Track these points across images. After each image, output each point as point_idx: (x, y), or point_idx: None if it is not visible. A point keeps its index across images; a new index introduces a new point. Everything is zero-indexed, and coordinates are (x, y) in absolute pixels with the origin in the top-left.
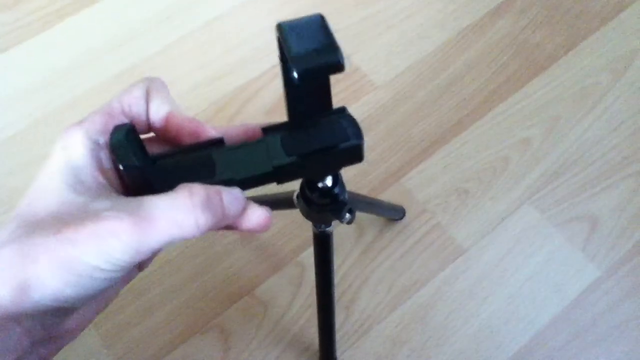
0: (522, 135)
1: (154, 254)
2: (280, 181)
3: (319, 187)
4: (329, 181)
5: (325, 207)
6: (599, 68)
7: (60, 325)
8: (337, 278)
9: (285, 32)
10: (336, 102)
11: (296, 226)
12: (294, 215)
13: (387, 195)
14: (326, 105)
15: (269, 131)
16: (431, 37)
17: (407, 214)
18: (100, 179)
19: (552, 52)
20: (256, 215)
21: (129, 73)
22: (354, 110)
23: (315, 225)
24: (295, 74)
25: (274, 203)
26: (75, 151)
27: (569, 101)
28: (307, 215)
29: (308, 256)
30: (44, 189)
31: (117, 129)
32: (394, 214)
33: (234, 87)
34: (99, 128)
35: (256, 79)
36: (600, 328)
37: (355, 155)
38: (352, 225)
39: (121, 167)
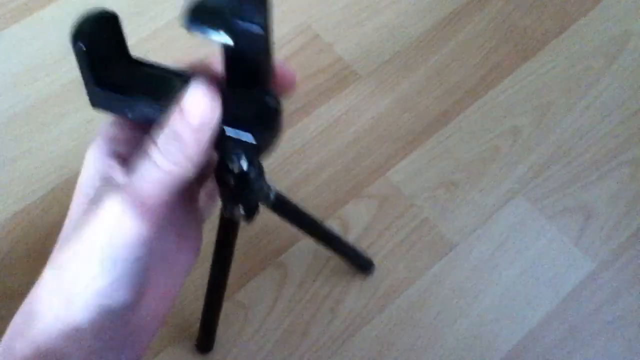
0: (511, 123)
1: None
2: None
3: (227, 166)
4: (243, 164)
5: (236, 191)
6: (590, 52)
7: (127, 324)
8: (320, 280)
9: None
10: (319, 93)
11: (275, 227)
12: (273, 216)
13: (373, 190)
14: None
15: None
16: (416, 24)
17: (394, 209)
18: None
19: (541, 36)
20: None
21: None
22: (337, 102)
23: (223, 208)
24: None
25: None
26: (86, 170)
27: (560, 87)
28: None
29: (289, 256)
30: (72, 206)
31: (89, 14)
32: (357, 261)
33: None
34: (113, 140)
35: None
36: (596, 323)
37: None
38: (336, 222)
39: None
